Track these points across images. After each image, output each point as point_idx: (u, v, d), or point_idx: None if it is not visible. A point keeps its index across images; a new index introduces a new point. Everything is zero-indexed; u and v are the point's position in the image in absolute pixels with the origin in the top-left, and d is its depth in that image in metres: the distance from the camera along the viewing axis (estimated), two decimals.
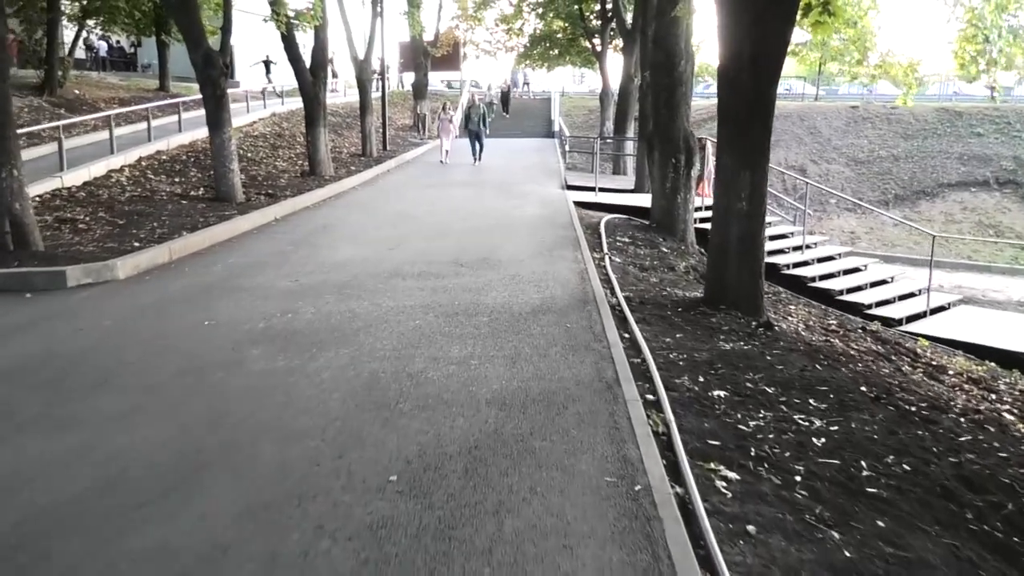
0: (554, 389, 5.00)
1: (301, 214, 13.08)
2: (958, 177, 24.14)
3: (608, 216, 13.32)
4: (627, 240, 11.52)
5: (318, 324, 6.50)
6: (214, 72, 13.07)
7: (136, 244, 9.48)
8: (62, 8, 23.14)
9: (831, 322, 9.63)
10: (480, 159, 21.54)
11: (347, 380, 5.16)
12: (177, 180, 15.17)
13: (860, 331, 9.53)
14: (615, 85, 31.16)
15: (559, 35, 33.66)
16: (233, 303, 7.25)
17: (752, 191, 7.72)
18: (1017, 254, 20.09)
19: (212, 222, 11.19)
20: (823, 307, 11.26)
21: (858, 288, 12.49)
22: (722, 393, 5.09)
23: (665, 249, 11.37)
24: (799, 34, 34.52)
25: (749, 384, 5.32)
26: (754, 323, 7.32)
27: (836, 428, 4.65)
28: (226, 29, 13.60)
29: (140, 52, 35.80)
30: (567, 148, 24.25)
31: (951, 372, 8.37)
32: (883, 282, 13.06)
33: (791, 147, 24.58)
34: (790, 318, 9.12)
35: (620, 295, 7.77)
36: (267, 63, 31.45)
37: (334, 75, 40.71)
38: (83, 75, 29.80)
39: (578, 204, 15.10)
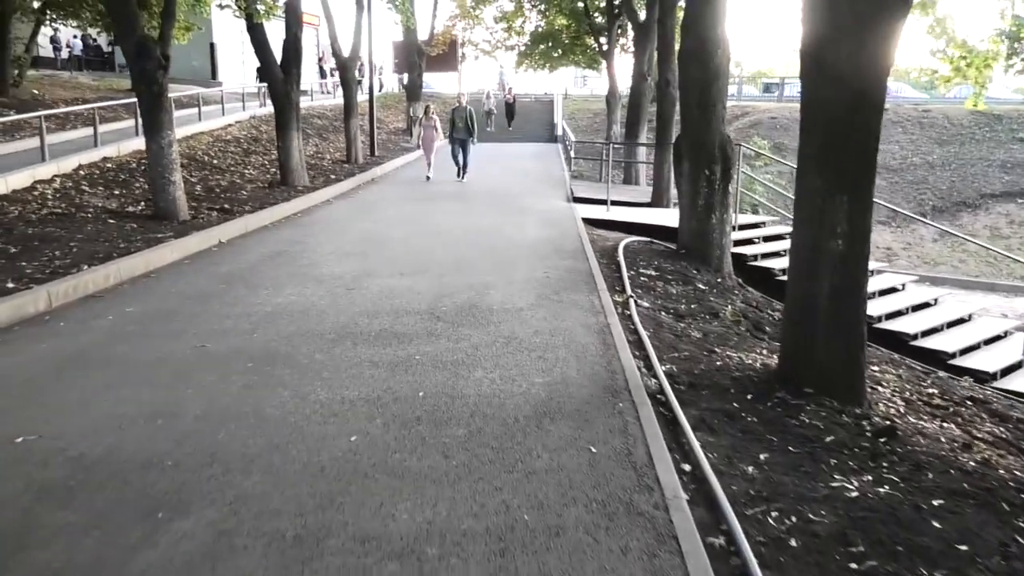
0: None
1: (254, 236, 10.62)
2: (1002, 187, 21.68)
3: (625, 239, 10.85)
4: (652, 273, 9.06)
5: (193, 446, 4.01)
6: (149, 65, 10.61)
7: (9, 285, 7.02)
8: (14, 1, 20.66)
9: (929, 390, 7.17)
10: (464, 176, 17.57)
11: None
12: (116, 193, 12.72)
13: (970, 404, 7.07)
14: (623, 86, 28.86)
15: (562, 34, 31.21)
16: (89, 391, 4.78)
17: (852, 225, 5.28)
18: None
19: (134, 248, 8.75)
20: (897, 357, 8.81)
21: (935, 330, 10.02)
22: None
23: (701, 285, 8.91)
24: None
25: None
26: (866, 425, 4.86)
27: None
28: (168, 13, 11.15)
29: (118, 51, 33.36)
30: (572, 154, 21.79)
31: None
32: (960, 320, 10.59)
33: None
34: (880, 387, 6.65)
35: (661, 374, 5.30)
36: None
37: (323, 74, 38.39)
38: (53, 75, 27.46)
39: (587, 222, 12.66)
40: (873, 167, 5.38)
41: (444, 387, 4.89)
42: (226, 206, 12.16)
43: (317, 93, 33.21)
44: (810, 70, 5.37)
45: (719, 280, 9.55)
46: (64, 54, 30.37)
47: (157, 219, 10.83)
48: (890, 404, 6.01)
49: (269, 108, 26.32)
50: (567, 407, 4.58)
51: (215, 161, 17.19)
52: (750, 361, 6.13)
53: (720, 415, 4.77)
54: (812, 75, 5.36)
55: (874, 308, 10.18)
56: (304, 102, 30.44)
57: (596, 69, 36.08)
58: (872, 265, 12.20)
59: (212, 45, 32.05)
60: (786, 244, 12.01)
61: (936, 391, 7.18)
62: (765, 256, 11.33)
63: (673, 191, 15.36)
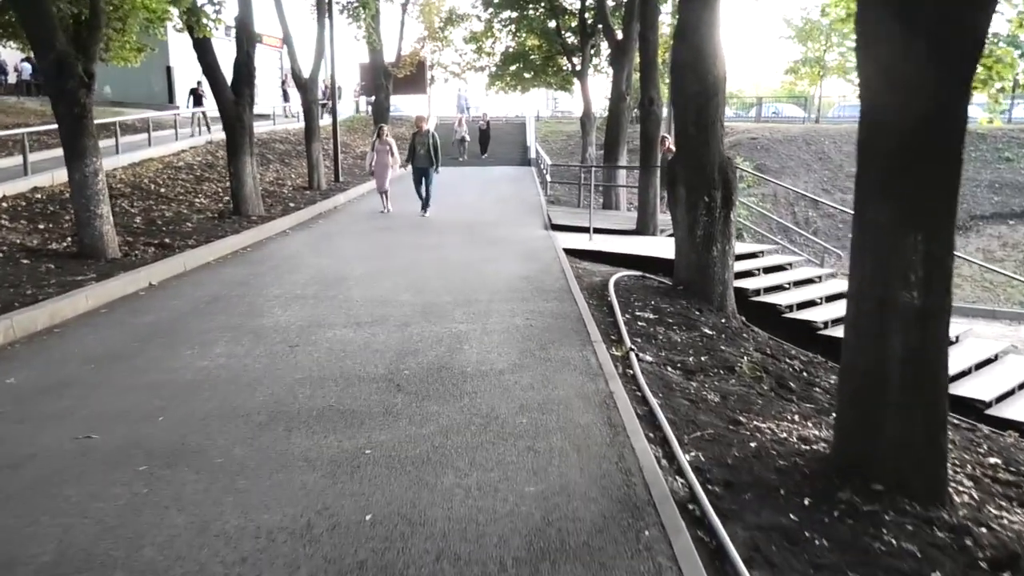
0: None
1: (192, 276, 9.21)
2: (992, 208, 20.81)
3: (615, 274, 9.58)
4: (650, 315, 7.80)
5: None
6: (70, 84, 9.21)
7: None
8: None
9: (990, 459, 5.95)
10: (427, 210, 14.89)
11: None
12: (40, 228, 11.24)
13: None
14: (597, 107, 27.83)
15: (533, 54, 30.17)
16: None
17: (928, 272, 4.05)
18: None
19: (43, 296, 7.33)
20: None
21: (963, 374, 8.86)
22: None
23: (707, 329, 7.65)
24: (794, 50, 31.01)
25: None
26: (974, 548, 3.60)
27: None
28: (94, 25, 9.76)
29: None
30: (548, 178, 20.60)
31: None
32: (988, 361, 9.44)
33: (799, 174, 21.20)
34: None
35: (689, 472, 4.00)
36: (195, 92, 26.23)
37: (287, 97, 36.93)
38: None
39: (569, 253, 11.40)
40: (954, 197, 4.14)
41: (401, 504, 3.55)
42: (166, 240, 10.74)
43: (280, 117, 31.79)
44: (872, 84, 4.15)
45: (723, 321, 8.31)
46: (11, 78, 28.74)
47: (81, 258, 9.41)
48: (960, 489, 4.76)
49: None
50: (572, 539, 3.25)
51: (162, 190, 15.73)
52: (790, 438, 4.86)
53: (777, 536, 3.48)
54: (875, 88, 4.13)
55: None
56: (266, 126, 29.28)
57: (569, 90, 35.11)
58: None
59: (169, 68, 30.61)
60: (789, 276, 10.84)
61: (999, 460, 5.96)
62: (768, 291, 10.13)
63: (660, 217, 14.18)
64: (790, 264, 11.32)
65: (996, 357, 9.57)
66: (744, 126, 29.52)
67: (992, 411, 8.03)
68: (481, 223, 14.28)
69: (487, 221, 14.60)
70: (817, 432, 5.10)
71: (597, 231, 13.24)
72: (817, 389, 6.45)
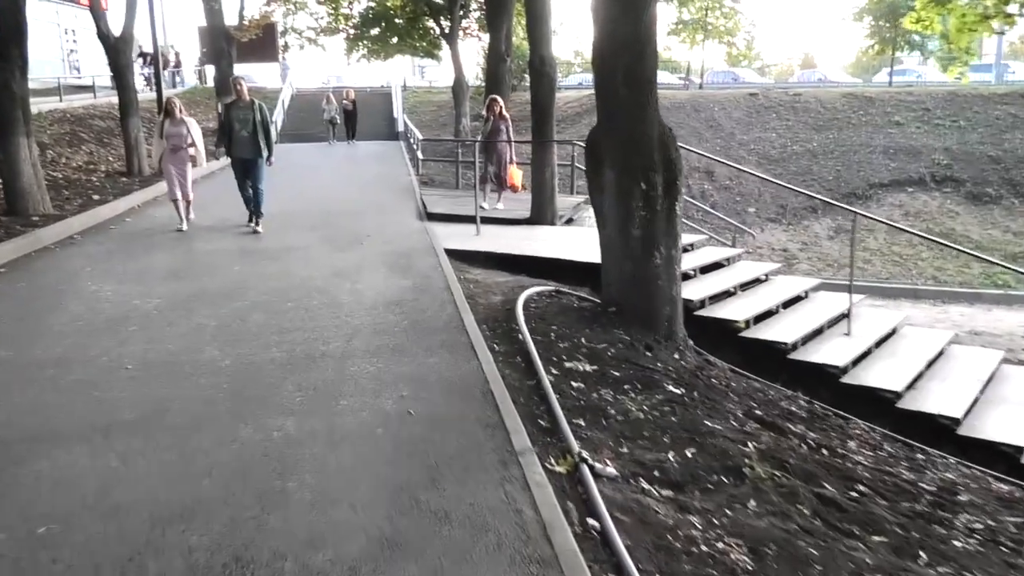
0: None
1: None
2: (889, 175, 19.47)
3: (523, 293, 6.88)
4: (586, 366, 5.15)
5: None
6: None
7: None
8: None
9: None
10: (258, 222, 9.92)
11: None
12: None
13: None
14: (468, 75, 24.99)
15: (396, 16, 26.87)
16: None
17: None
18: (989, 271, 15.50)
19: None
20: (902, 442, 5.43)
21: (919, 378, 6.76)
22: None
23: (671, 384, 5.03)
24: (671, 13, 29.02)
25: None
26: None
27: None
28: None
29: None
30: (419, 155, 17.65)
31: None
32: (937, 358, 7.40)
33: (691, 143, 19.12)
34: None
35: None
36: None
37: (165, 64, 31.64)
38: None
39: (454, 255, 8.67)
40: None
41: None
42: None
43: (108, 89, 27.08)
44: None
45: (681, 361, 5.80)
46: None
47: None
48: None
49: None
50: None
51: None
52: None
53: None
54: None
55: (873, 368, 6.84)
56: (88, 99, 24.65)
57: (436, 57, 32.04)
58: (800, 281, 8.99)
59: None
60: (732, 276, 8.51)
61: None
62: (714, 300, 7.73)
63: (561, 202, 11.62)
64: (727, 260, 8.99)
65: (942, 353, 7.57)
66: None
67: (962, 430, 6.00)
68: (340, 214, 11.25)
69: (348, 211, 11.58)
70: None
71: (485, 221, 10.54)
72: (876, 501, 4.02)
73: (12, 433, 3.90)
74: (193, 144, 10.13)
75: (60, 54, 33.65)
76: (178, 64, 33.83)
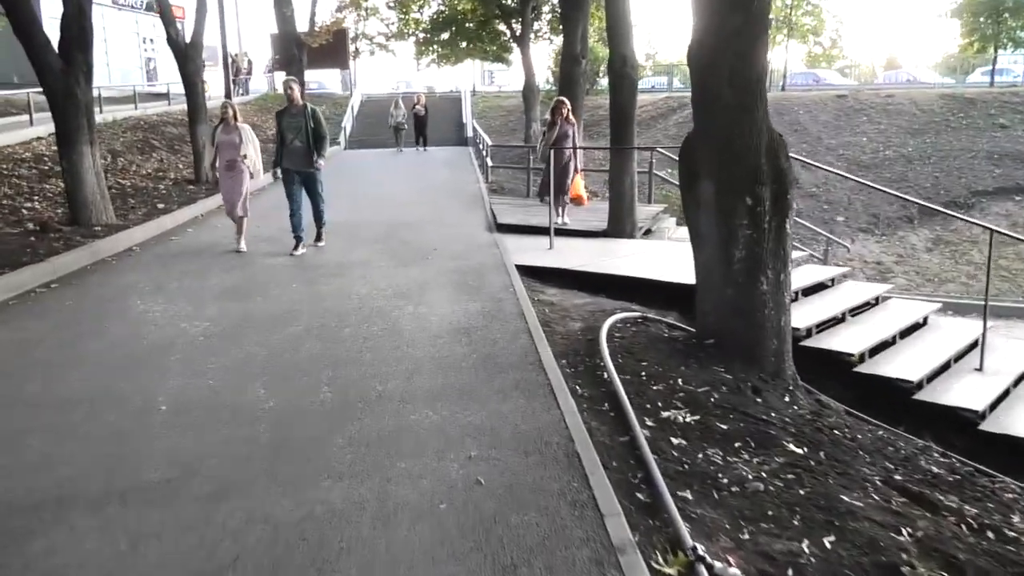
0: None
1: None
2: (994, 182, 17.95)
3: (601, 317, 6.11)
4: (687, 416, 4.32)
5: None
6: None
7: None
8: None
9: None
10: (320, 236, 9.30)
11: None
12: None
13: None
14: (539, 78, 24.30)
15: (467, 19, 26.34)
16: None
17: None
18: None
19: None
20: None
21: None
22: None
23: (790, 441, 4.18)
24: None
25: None
26: None
27: None
28: None
29: None
30: (488, 161, 17.01)
31: None
32: None
33: None
34: None
35: None
36: None
37: (237, 71, 31.98)
38: None
39: (525, 271, 7.95)
40: None
41: None
42: None
43: (182, 96, 27.35)
44: None
45: (795, 407, 4.93)
46: None
47: None
48: None
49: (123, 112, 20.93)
50: None
51: None
52: None
53: None
54: None
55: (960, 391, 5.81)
56: (163, 106, 24.84)
57: (506, 61, 31.45)
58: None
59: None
60: (839, 299, 7.54)
61: None
62: (822, 327, 6.79)
63: (641, 212, 10.79)
64: (831, 280, 8.00)
65: None
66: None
67: None
68: (405, 225, 10.66)
69: (413, 221, 10.98)
70: None
71: (558, 233, 9.78)
72: None
73: (16, 497, 3.31)
74: (247, 152, 9.11)
75: (138, 62, 34.34)
76: (250, 71, 34.07)
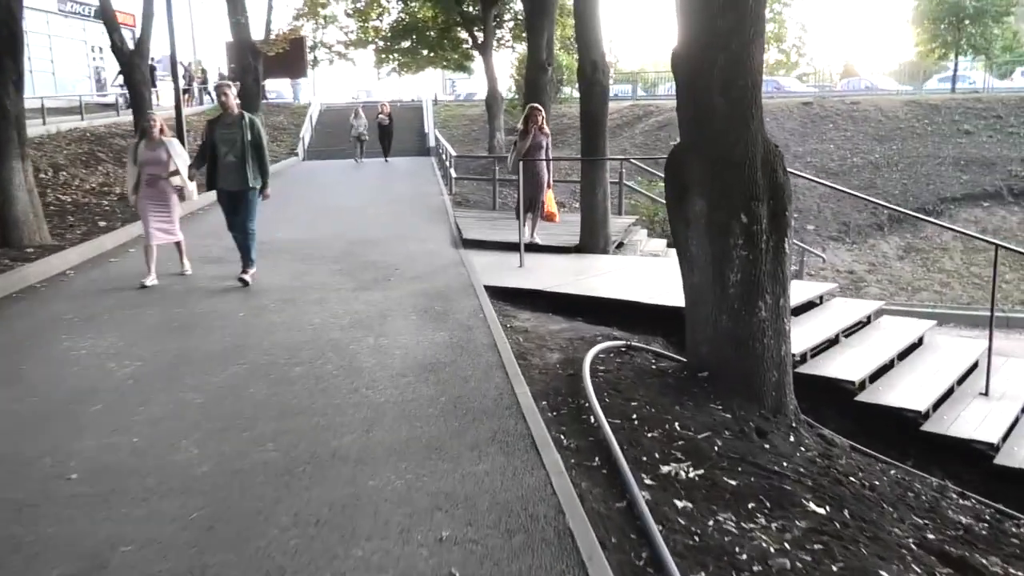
0: None
1: None
2: (961, 188, 17.82)
3: (581, 348, 5.54)
4: (689, 471, 3.74)
5: None
6: None
7: None
8: None
9: None
10: (250, 271, 7.75)
11: None
12: None
13: None
14: (502, 87, 23.76)
15: (428, 28, 25.73)
16: None
17: None
18: None
19: None
20: None
21: None
22: None
23: (809, 501, 3.65)
24: None
25: None
26: None
27: None
28: None
29: None
30: (452, 172, 16.40)
31: None
32: None
33: None
34: None
35: None
36: None
37: (153, 83, 30.89)
38: None
39: (495, 293, 7.35)
40: None
41: None
42: None
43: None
44: None
45: (797, 445, 4.40)
46: None
47: None
48: None
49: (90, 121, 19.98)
50: None
51: None
52: None
53: None
54: None
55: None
56: (112, 117, 23.74)
57: (468, 70, 30.91)
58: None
59: None
60: (831, 318, 7.06)
61: None
62: (816, 351, 6.29)
63: (613, 224, 10.27)
64: (820, 298, 7.52)
65: None
66: (672, 104, 25.90)
67: None
68: (365, 242, 10.00)
69: (374, 238, 10.32)
70: None
71: (528, 248, 9.21)
72: None
73: None
74: (176, 172, 7.90)
75: (87, 72, 33.09)
76: (204, 81, 32.96)
